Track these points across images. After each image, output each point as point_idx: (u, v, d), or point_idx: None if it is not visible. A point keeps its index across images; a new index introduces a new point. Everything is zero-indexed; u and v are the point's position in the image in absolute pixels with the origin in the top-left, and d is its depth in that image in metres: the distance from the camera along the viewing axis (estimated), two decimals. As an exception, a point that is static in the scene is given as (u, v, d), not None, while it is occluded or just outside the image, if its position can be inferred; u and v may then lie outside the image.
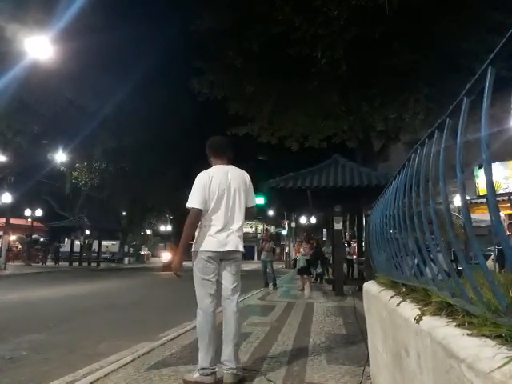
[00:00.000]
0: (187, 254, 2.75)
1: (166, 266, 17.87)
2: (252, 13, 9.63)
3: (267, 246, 10.36)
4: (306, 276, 9.17)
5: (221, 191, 2.77)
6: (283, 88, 11.06)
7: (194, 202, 2.71)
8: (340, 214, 8.96)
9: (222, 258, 2.76)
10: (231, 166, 2.94)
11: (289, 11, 8.96)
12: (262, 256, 10.53)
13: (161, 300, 8.41)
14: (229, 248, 2.75)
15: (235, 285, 2.84)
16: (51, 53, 11.71)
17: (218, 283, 2.79)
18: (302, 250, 9.86)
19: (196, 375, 2.59)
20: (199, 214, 2.71)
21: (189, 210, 2.71)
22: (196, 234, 2.76)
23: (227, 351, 2.68)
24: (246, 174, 2.99)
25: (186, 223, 2.70)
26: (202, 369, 2.57)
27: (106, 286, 11.47)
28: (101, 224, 25.74)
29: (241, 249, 2.82)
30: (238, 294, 2.87)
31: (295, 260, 11.68)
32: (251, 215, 2.99)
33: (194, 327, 4.36)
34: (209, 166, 2.97)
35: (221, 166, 2.90)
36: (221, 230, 2.74)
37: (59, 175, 25.11)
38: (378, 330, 2.05)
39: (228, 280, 2.82)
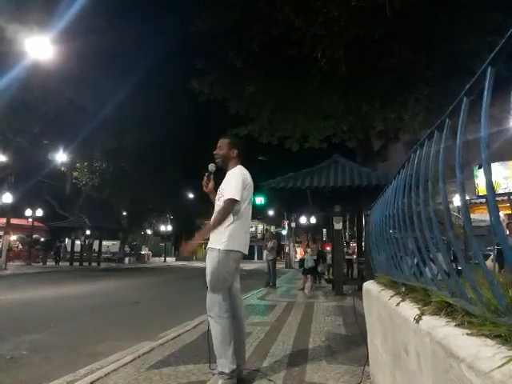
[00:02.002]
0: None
1: None
2: (252, 13, 9.63)
3: (267, 244, 10.47)
4: (309, 276, 9.21)
5: (251, 194, 2.79)
6: (283, 88, 11.06)
7: (238, 194, 2.59)
8: (340, 214, 8.96)
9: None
10: None
11: (289, 12, 8.96)
12: (264, 255, 10.68)
13: (161, 300, 8.41)
14: (247, 252, 2.77)
15: None
16: (52, 53, 11.72)
17: None
18: (309, 250, 9.89)
19: (221, 382, 2.46)
20: (234, 207, 2.62)
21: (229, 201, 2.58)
22: (227, 231, 2.60)
23: (242, 351, 2.68)
24: None
25: (224, 212, 2.57)
26: (232, 371, 2.47)
27: (106, 285, 11.47)
28: (101, 224, 25.74)
29: None
30: None
31: (301, 260, 11.72)
32: None
33: (195, 327, 4.38)
34: (221, 163, 2.86)
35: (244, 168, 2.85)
36: (247, 232, 2.76)
37: (60, 175, 25.12)
38: (377, 330, 2.05)
39: (237, 280, 2.83)
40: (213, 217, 2.65)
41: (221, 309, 2.54)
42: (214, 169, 2.89)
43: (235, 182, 2.63)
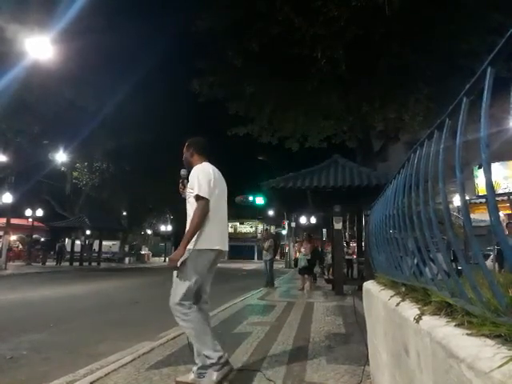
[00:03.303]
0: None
1: None
2: (252, 13, 9.64)
3: (264, 244, 10.40)
4: (306, 276, 9.19)
5: (221, 189, 2.74)
6: (283, 88, 11.07)
7: (205, 191, 2.54)
8: (340, 213, 8.95)
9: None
10: None
11: (289, 11, 8.97)
12: (263, 255, 10.60)
13: (161, 300, 8.39)
14: (227, 248, 2.72)
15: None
16: (52, 53, 11.72)
17: None
18: (302, 249, 9.84)
19: (216, 375, 2.43)
20: (208, 205, 2.56)
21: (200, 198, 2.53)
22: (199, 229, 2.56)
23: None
24: None
25: (199, 214, 2.49)
26: (220, 357, 2.44)
27: (106, 285, 11.47)
28: (101, 224, 25.74)
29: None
30: None
31: (296, 260, 11.68)
32: None
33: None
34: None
35: (210, 164, 2.80)
36: (224, 229, 2.73)
37: (60, 175, 25.12)
38: (377, 330, 2.05)
39: (209, 283, 2.74)
40: (190, 220, 2.58)
41: (184, 307, 2.54)
42: (185, 173, 2.87)
43: (196, 179, 2.59)
